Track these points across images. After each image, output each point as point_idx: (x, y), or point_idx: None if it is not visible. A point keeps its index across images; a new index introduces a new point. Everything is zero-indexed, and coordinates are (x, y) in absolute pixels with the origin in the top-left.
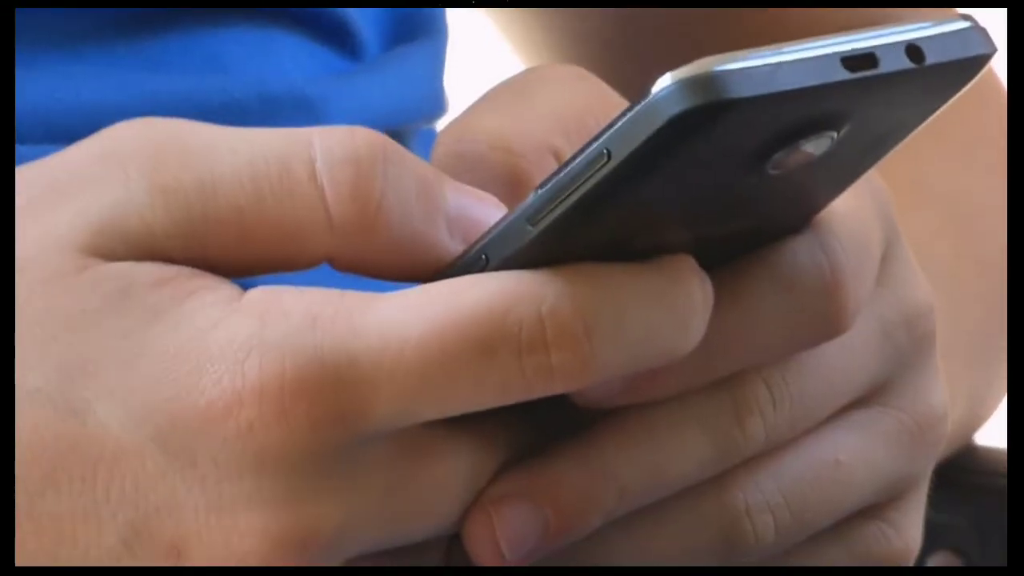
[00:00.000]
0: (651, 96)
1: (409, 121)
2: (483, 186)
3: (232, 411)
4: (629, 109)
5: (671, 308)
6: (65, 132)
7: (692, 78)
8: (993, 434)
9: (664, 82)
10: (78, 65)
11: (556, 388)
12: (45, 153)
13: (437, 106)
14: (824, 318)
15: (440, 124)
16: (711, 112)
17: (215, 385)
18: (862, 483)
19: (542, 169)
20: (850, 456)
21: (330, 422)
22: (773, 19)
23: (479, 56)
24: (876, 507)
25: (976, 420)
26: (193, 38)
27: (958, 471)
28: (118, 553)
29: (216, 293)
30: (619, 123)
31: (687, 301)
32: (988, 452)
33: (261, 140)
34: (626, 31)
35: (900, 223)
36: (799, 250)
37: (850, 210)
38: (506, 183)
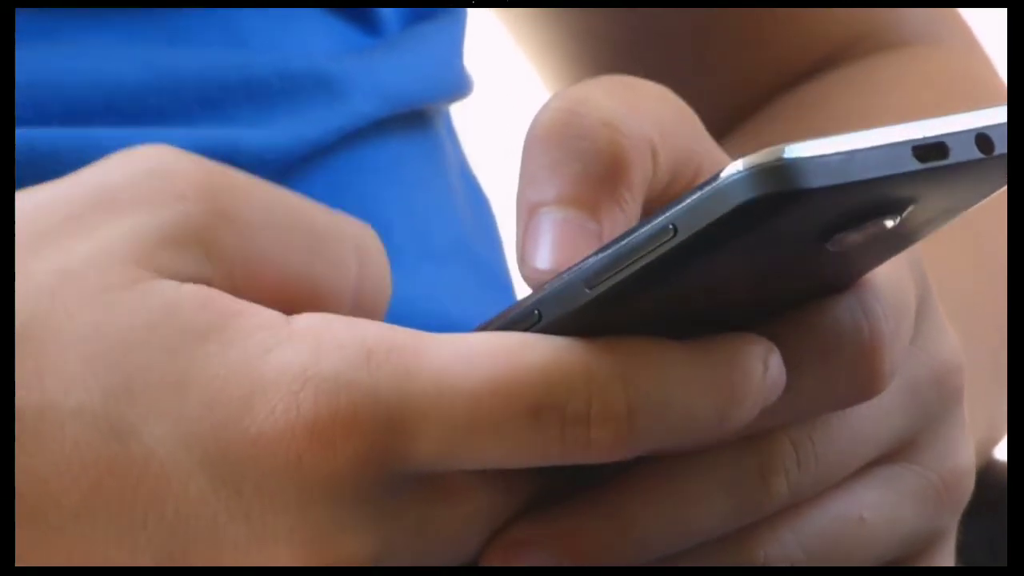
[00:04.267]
0: (721, 180)
1: (430, 100)
2: (584, 156)
3: (283, 443)
4: (699, 188)
5: (716, 396)
6: (84, 110)
7: (764, 166)
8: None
9: (735, 167)
10: (98, 39)
11: (590, 459)
12: (66, 137)
13: (459, 85)
14: (860, 382)
15: (463, 104)
16: (781, 201)
17: (269, 415)
18: (885, 540)
19: (642, 158)
20: (874, 513)
21: (375, 459)
22: (781, 22)
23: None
24: (906, 560)
25: (992, 443)
26: (213, 13)
27: (976, 487)
28: None
29: (262, 316)
30: (687, 201)
31: (733, 391)
32: (1000, 467)
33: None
34: (635, 33)
35: (926, 260)
36: (840, 314)
37: (889, 271)
38: (606, 159)
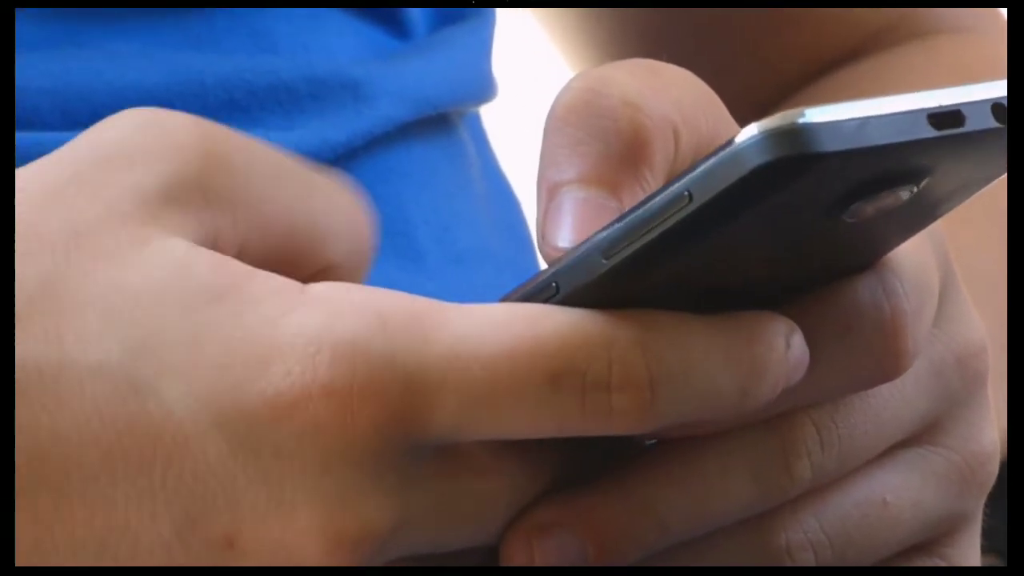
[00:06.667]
0: (736, 144)
1: (456, 103)
2: (605, 136)
3: (300, 406)
4: (713, 154)
5: (737, 368)
6: (111, 115)
7: (779, 130)
8: None
9: (750, 132)
10: (124, 43)
11: (611, 429)
12: None
13: (485, 89)
14: (882, 361)
15: (489, 108)
16: (796, 165)
17: (285, 377)
18: (909, 522)
19: (664, 138)
20: (897, 496)
21: (393, 426)
22: (813, 10)
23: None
24: (931, 544)
25: None
26: (240, 16)
27: (999, 471)
28: (170, 543)
29: (276, 281)
30: (702, 167)
31: (754, 364)
32: None
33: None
34: (664, 21)
35: (951, 241)
36: (861, 292)
37: (911, 251)
38: (627, 138)
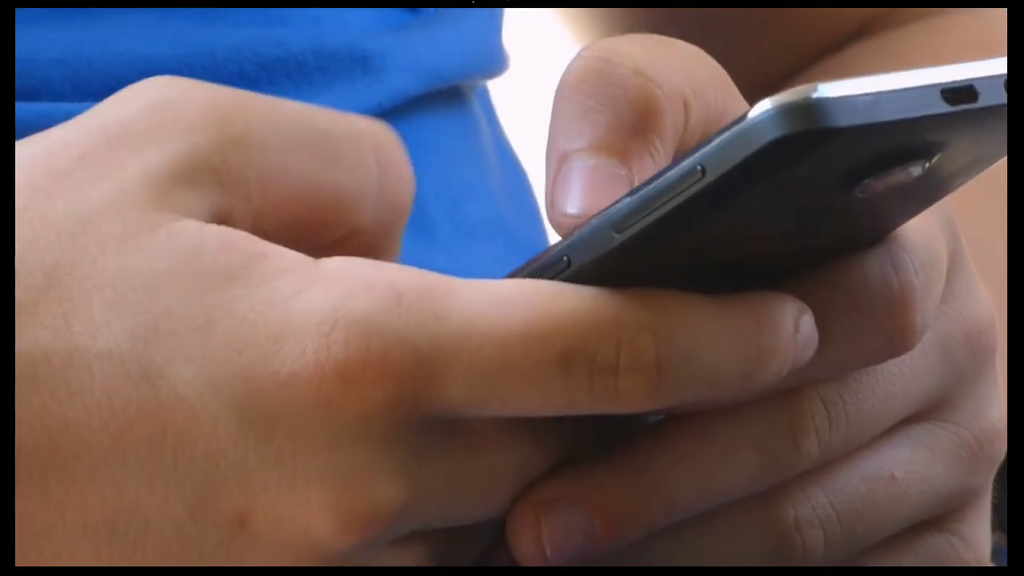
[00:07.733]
0: (749, 119)
1: (467, 76)
2: (616, 104)
3: (313, 384)
4: (726, 128)
5: (744, 351)
6: (121, 87)
7: (792, 104)
8: None
9: (764, 106)
10: (135, 16)
11: (617, 408)
12: None
13: (496, 62)
14: (891, 336)
15: (503, 80)
16: (809, 140)
17: (299, 356)
18: (917, 497)
19: (674, 108)
20: (905, 471)
21: (405, 403)
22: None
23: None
24: (942, 519)
25: None
26: None
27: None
28: (181, 523)
29: (288, 259)
30: (715, 141)
31: (761, 347)
32: None
33: (317, 110)
34: (673, 9)
35: (959, 218)
36: (870, 267)
37: (920, 225)
38: (639, 108)
